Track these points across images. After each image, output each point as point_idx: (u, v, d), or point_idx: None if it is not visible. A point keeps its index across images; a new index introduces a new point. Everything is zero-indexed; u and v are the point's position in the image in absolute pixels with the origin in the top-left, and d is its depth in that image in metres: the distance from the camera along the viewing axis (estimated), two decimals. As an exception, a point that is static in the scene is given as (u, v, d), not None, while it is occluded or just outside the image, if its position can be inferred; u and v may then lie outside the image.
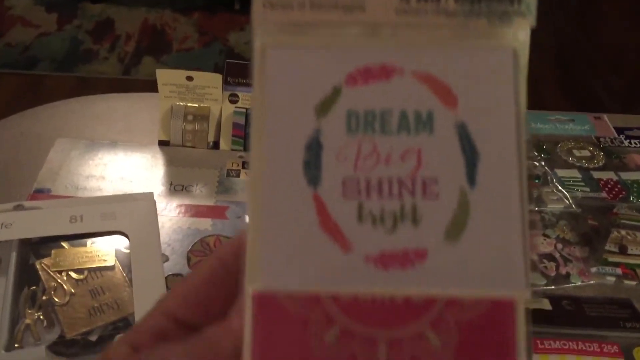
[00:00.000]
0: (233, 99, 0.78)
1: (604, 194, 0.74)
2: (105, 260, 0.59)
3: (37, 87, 2.04)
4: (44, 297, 0.56)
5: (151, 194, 0.67)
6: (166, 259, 0.64)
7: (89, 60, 2.18)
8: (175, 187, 0.72)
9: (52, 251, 0.59)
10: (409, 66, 0.20)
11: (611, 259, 0.66)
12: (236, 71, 0.78)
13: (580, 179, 0.76)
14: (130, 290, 0.57)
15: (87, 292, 0.57)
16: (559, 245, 0.68)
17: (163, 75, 0.76)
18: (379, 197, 0.20)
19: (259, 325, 0.19)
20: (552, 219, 0.71)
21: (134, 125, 0.81)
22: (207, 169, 0.75)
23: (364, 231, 0.19)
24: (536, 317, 0.60)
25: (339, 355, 0.19)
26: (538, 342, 0.57)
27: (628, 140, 0.84)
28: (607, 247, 0.67)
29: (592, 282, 0.64)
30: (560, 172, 0.77)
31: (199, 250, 0.66)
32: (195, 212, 0.69)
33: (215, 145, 0.78)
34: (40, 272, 0.58)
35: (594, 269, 0.65)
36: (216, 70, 0.77)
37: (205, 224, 0.68)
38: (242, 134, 0.77)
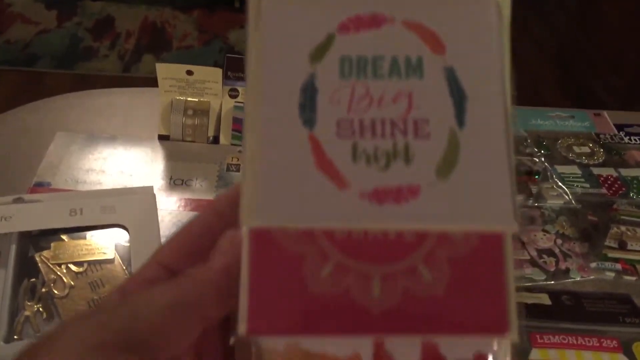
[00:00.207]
0: (233, 94, 0.78)
1: (603, 190, 0.74)
2: (105, 254, 0.59)
3: (37, 84, 2.03)
4: (43, 290, 0.56)
5: (151, 187, 0.67)
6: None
7: (89, 58, 2.18)
8: (175, 181, 0.72)
9: (52, 244, 0.59)
10: (399, 15, 0.21)
11: (611, 254, 0.66)
12: (236, 66, 0.78)
13: (580, 175, 0.76)
14: (130, 283, 0.57)
15: (86, 285, 0.57)
16: (559, 241, 0.68)
17: (163, 70, 0.76)
18: (373, 137, 0.20)
19: (256, 261, 0.20)
20: (552, 214, 0.71)
21: (134, 120, 0.81)
22: (207, 164, 0.75)
23: (358, 169, 0.20)
24: (536, 311, 0.60)
25: (333, 289, 0.19)
26: (537, 336, 0.57)
27: (628, 137, 0.84)
28: (606, 243, 0.67)
29: (592, 277, 0.64)
30: (560, 168, 0.77)
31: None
32: (195, 206, 0.69)
33: (215, 139, 0.78)
34: (39, 265, 0.58)
35: (593, 265, 0.65)
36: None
37: (205, 218, 0.68)
38: (242, 129, 0.77)
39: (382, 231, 0.20)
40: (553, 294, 0.62)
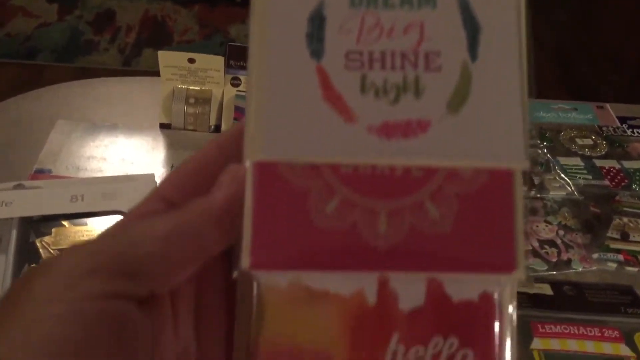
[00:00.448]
0: (235, 82, 0.78)
1: (606, 182, 0.74)
2: (105, 240, 0.59)
3: (37, 78, 2.03)
4: (43, 275, 0.56)
5: (152, 175, 0.67)
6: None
7: (89, 51, 2.17)
8: (176, 169, 0.72)
9: (53, 229, 0.59)
10: None
11: (613, 245, 0.66)
12: (238, 54, 0.78)
13: (582, 167, 0.76)
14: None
15: (87, 271, 0.57)
16: (561, 232, 0.67)
17: (165, 58, 0.76)
18: (382, 69, 0.20)
19: (260, 196, 0.19)
20: (554, 205, 0.70)
21: (135, 108, 0.81)
22: (208, 153, 0.74)
23: (367, 102, 0.19)
24: (538, 301, 0.59)
25: (339, 225, 0.19)
26: (539, 326, 0.57)
27: (631, 130, 0.83)
28: (609, 234, 0.67)
29: (594, 268, 0.64)
30: (563, 160, 0.77)
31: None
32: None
33: (217, 128, 0.78)
34: (40, 250, 0.58)
35: (595, 255, 0.65)
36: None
37: (206, 206, 0.68)
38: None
39: (389, 166, 0.19)
40: (555, 285, 0.62)
